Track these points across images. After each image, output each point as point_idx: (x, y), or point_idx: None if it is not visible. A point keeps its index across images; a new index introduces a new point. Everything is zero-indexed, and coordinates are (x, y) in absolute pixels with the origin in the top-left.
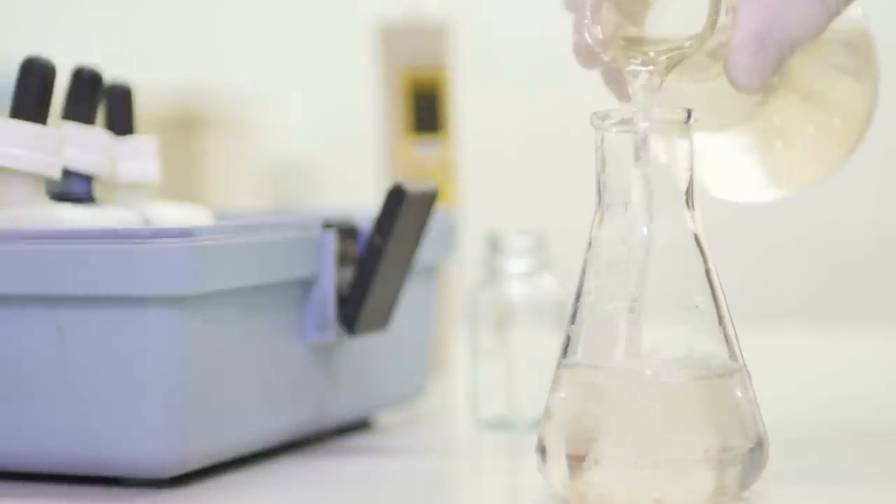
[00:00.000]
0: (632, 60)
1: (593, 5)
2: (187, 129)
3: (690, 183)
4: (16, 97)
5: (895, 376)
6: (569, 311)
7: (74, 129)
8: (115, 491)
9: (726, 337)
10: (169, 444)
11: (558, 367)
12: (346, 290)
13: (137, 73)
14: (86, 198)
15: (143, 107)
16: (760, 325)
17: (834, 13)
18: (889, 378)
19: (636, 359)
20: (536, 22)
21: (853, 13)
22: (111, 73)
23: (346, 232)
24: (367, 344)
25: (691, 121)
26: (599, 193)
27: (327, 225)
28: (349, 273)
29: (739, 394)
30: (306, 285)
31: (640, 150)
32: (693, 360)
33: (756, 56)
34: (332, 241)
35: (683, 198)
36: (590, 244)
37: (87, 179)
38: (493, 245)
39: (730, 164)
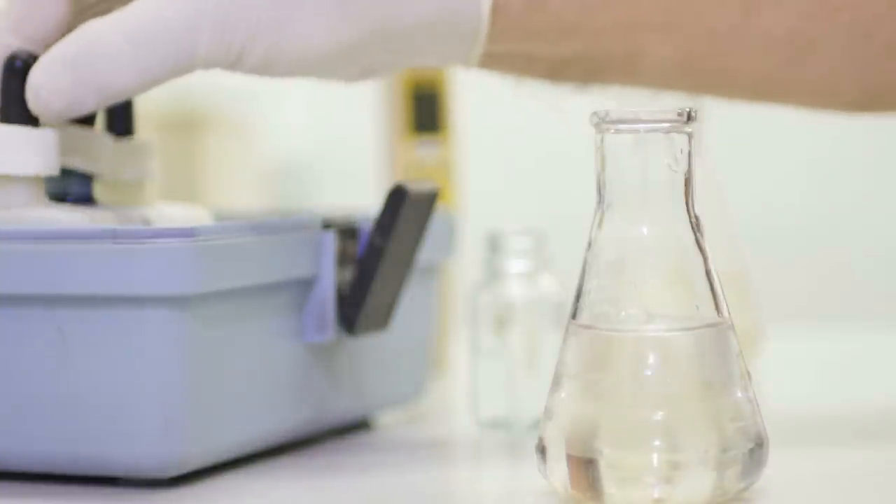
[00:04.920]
0: None
1: None
2: (187, 129)
3: (690, 182)
4: (2, 99)
5: (894, 376)
6: (569, 311)
7: (74, 129)
8: (115, 491)
9: None
10: (169, 444)
11: (558, 366)
12: (346, 290)
13: None
14: (86, 198)
15: (143, 107)
16: None
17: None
18: (889, 378)
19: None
20: None
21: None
22: None
23: (346, 232)
24: (367, 344)
25: (692, 120)
26: (599, 193)
27: (327, 225)
28: (349, 273)
29: (739, 394)
30: (306, 285)
31: (639, 149)
32: None
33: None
34: (332, 241)
35: (683, 197)
36: (590, 244)
37: (87, 179)
38: (493, 245)
39: None
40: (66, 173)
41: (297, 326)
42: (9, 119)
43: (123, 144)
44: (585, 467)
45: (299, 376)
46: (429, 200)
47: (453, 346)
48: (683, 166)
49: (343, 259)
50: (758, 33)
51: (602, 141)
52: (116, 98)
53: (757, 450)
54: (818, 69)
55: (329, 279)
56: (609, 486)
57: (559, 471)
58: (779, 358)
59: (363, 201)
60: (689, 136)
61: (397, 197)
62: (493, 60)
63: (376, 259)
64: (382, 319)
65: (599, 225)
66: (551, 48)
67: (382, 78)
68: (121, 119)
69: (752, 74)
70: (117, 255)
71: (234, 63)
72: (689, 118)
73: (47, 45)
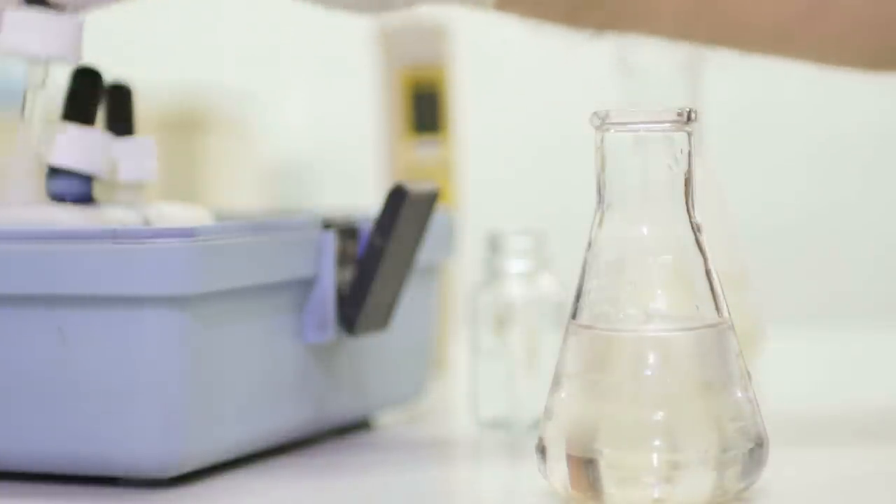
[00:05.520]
0: None
1: None
2: (187, 129)
3: (690, 182)
4: None
5: (894, 376)
6: (569, 311)
7: (74, 129)
8: (115, 491)
9: None
10: (169, 444)
11: (558, 366)
12: (346, 290)
13: (137, 73)
14: (86, 198)
15: (143, 107)
16: None
17: None
18: (889, 378)
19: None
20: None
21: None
22: (111, 73)
23: (346, 232)
24: (367, 344)
25: (692, 120)
26: (599, 193)
27: (327, 225)
28: (349, 273)
29: (739, 394)
30: (306, 285)
31: (639, 149)
32: None
33: None
34: (332, 241)
35: (683, 197)
36: (590, 244)
37: (87, 179)
38: (493, 245)
39: None
40: (66, 173)
41: (297, 326)
42: (31, 2)
43: (123, 144)
44: (585, 467)
45: (299, 376)
46: (429, 200)
47: (453, 346)
48: (683, 166)
49: (343, 259)
50: None
51: (602, 141)
52: None
53: (757, 450)
54: (836, 22)
55: (329, 279)
56: (609, 486)
57: (559, 471)
58: (779, 358)
59: (363, 201)
60: (689, 135)
61: (397, 197)
62: (511, 2)
63: (376, 259)
64: (382, 319)
65: (599, 225)
66: None
67: (398, 11)
68: (121, 119)
69: (769, 25)
70: (117, 255)
71: None
72: (689, 118)
73: None
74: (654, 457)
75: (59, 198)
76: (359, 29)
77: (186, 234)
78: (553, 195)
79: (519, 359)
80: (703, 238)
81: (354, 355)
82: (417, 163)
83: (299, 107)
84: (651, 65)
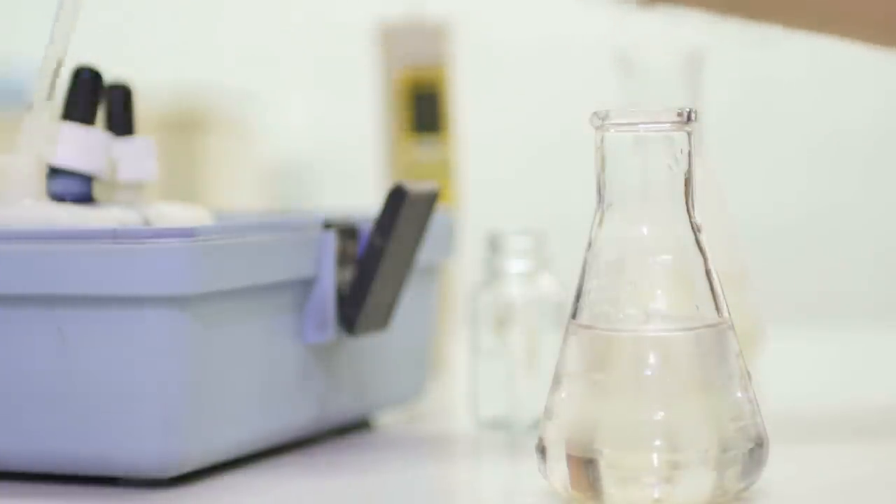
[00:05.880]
0: None
1: None
2: (187, 129)
3: (690, 182)
4: None
5: (894, 376)
6: (569, 311)
7: (73, 129)
8: (115, 491)
9: None
10: (169, 444)
11: (558, 366)
12: (346, 290)
13: (137, 73)
14: (86, 198)
15: (143, 107)
16: None
17: None
18: (889, 378)
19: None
20: (536, 22)
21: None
22: (111, 73)
23: (346, 232)
24: (367, 344)
25: (692, 120)
26: (599, 193)
27: (327, 225)
28: (349, 273)
29: (739, 394)
30: (306, 285)
31: (639, 149)
32: None
33: None
34: (332, 241)
35: (683, 197)
36: (590, 244)
37: (87, 179)
38: (493, 245)
39: None
40: (66, 173)
41: (297, 326)
42: None
43: (123, 144)
44: (585, 467)
45: (299, 376)
46: (429, 200)
47: (453, 346)
48: (683, 166)
49: (343, 259)
50: None
51: (602, 141)
52: None
53: (757, 450)
54: (883, 4)
55: (329, 279)
56: (609, 486)
57: (559, 471)
58: (779, 358)
59: (363, 201)
60: (689, 135)
61: (397, 197)
62: None
63: (376, 259)
64: (382, 319)
65: (599, 225)
66: None
67: None
68: (121, 119)
69: (814, 4)
70: (117, 255)
71: None
72: (689, 118)
73: None
74: (654, 457)
75: (59, 198)
76: (359, 29)
77: (186, 234)
78: (553, 195)
79: (519, 359)
80: (703, 238)
81: (354, 355)
82: (417, 163)
83: (299, 107)
84: (651, 64)
